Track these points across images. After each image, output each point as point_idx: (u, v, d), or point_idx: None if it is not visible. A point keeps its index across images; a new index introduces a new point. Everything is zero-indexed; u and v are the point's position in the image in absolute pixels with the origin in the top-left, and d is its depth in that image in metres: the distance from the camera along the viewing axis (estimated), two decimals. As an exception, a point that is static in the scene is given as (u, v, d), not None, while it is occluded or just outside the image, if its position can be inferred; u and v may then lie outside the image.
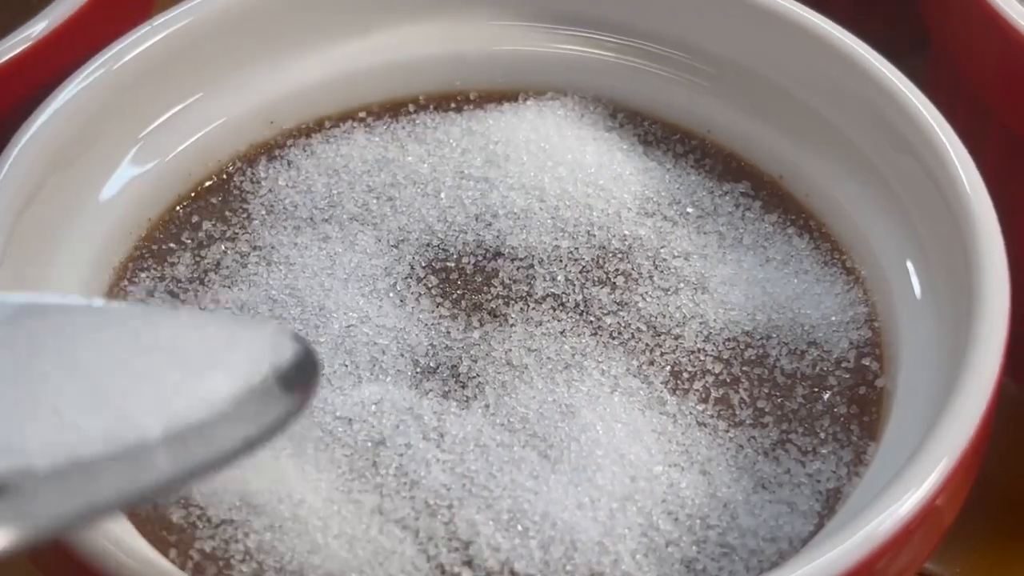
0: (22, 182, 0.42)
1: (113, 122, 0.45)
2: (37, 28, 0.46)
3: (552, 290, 0.44)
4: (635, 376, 0.42)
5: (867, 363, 0.42)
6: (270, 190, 0.47)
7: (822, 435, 0.41)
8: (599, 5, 0.50)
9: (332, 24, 0.49)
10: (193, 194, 0.47)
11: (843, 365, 0.42)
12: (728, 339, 0.43)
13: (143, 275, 0.44)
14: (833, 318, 0.43)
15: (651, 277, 0.45)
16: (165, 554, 0.38)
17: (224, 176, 0.47)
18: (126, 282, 0.44)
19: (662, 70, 0.49)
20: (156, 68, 0.46)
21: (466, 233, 0.46)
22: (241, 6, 0.47)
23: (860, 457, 0.40)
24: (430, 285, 0.44)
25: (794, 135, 0.47)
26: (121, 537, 0.36)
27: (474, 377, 0.42)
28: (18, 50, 0.46)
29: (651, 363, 0.42)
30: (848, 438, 0.41)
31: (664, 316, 0.44)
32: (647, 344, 0.43)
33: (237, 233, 0.46)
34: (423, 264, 0.45)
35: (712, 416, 0.41)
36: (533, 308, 0.44)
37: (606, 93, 0.49)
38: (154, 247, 0.45)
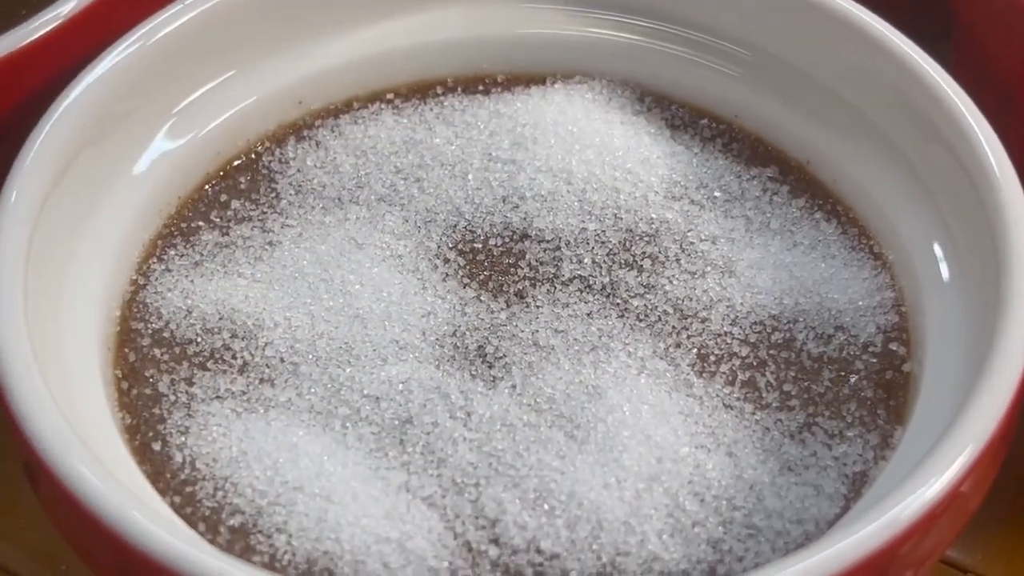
0: (56, 154, 0.42)
1: (149, 96, 0.45)
2: (66, 8, 0.46)
3: (579, 272, 0.44)
4: (662, 358, 0.42)
5: (894, 348, 0.42)
6: (298, 170, 0.47)
7: (848, 419, 0.41)
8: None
9: (362, 5, 0.49)
10: (222, 173, 0.47)
11: (870, 349, 0.42)
12: (755, 323, 0.43)
13: (171, 252, 0.45)
14: (860, 303, 0.43)
15: (678, 260, 0.45)
16: (194, 527, 0.38)
17: (253, 155, 0.47)
18: (155, 260, 0.44)
19: (690, 54, 0.49)
20: (191, 44, 0.46)
21: (493, 215, 0.46)
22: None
23: (887, 441, 0.40)
24: (457, 266, 0.45)
25: (821, 120, 0.47)
26: (151, 510, 0.36)
27: (501, 357, 0.42)
28: (47, 29, 0.46)
29: (678, 345, 0.42)
30: (875, 422, 0.41)
31: (691, 299, 0.44)
32: (674, 327, 0.43)
33: (265, 212, 0.46)
34: (450, 245, 0.45)
35: (738, 399, 0.41)
36: (560, 290, 0.44)
37: (634, 77, 0.50)
38: (183, 225, 0.45)
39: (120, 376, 0.41)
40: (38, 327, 0.39)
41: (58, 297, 0.41)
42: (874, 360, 0.42)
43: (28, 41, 0.45)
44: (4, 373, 0.37)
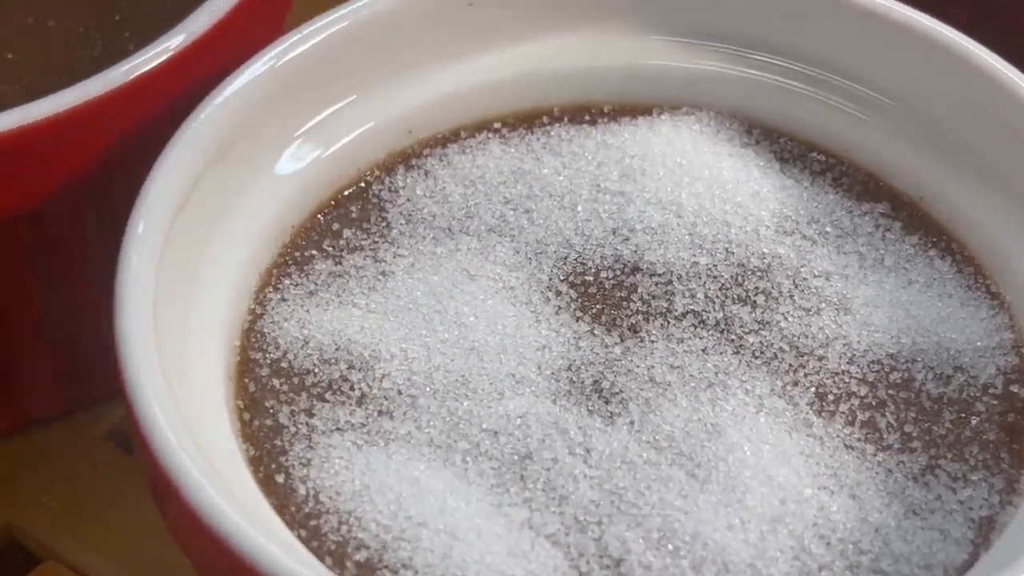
0: (181, 180, 0.42)
1: (273, 119, 0.45)
2: (175, 41, 0.46)
3: (692, 307, 0.44)
4: (780, 397, 0.42)
5: (1015, 390, 0.42)
6: (408, 199, 0.47)
7: (971, 462, 0.41)
8: (736, 21, 0.49)
9: (472, 36, 0.49)
10: (333, 202, 0.47)
11: (990, 391, 0.42)
12: (872, 361, 0.43)
13: (286, 282, 0.45)
14: (979, 343, 0.43)
15: (792, 296, 0.44)
16: (321, 561, 0.38)
17: (363, 184, 0.48)
18: (271, 288, 0.44)
19: (800, 87, 0.49)
20: (318, 66, 0.46)
21: (604, 247, 0.46)
22: (390, 15, 0.47)
23: (1012, 486, 0.40)
24: (569, 299, 0.45)
25: (935, 158, 0.47)
26: (283, 540, 0.36)
27: (617, 393, 0.42)
28: (156, 62, 0.46)
29: (795, 384, 0.42)
30: (999, 466, 0.41)
31: (807, 336, 0.43)
32: (790, 364, 0.43)
33: (377, 242, 0.46)
34: (561, 277, 0.45)
35: (859, 439, 0.41)
36: (673, 325, 0.44)
37: (742, 109, 0.49)
38: (296, 254, 0.45)
39: (242, 407, 0.41)
40: (166, 355, 0.39)
41: (183, 327, 0.41)
42: (995, 402, 0.42)
43: (140, 73, 0.45)
44: (135, 398, 0.37)
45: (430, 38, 0.48)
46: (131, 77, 0.45)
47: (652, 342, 0.43)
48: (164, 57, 0.46)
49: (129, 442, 0.54)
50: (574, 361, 0.43)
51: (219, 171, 0.44)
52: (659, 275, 0.45)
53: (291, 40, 0.45)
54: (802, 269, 0.45)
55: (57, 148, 0.45)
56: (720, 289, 0.45)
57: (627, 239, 0.46)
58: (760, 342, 0.43)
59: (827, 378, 0.42)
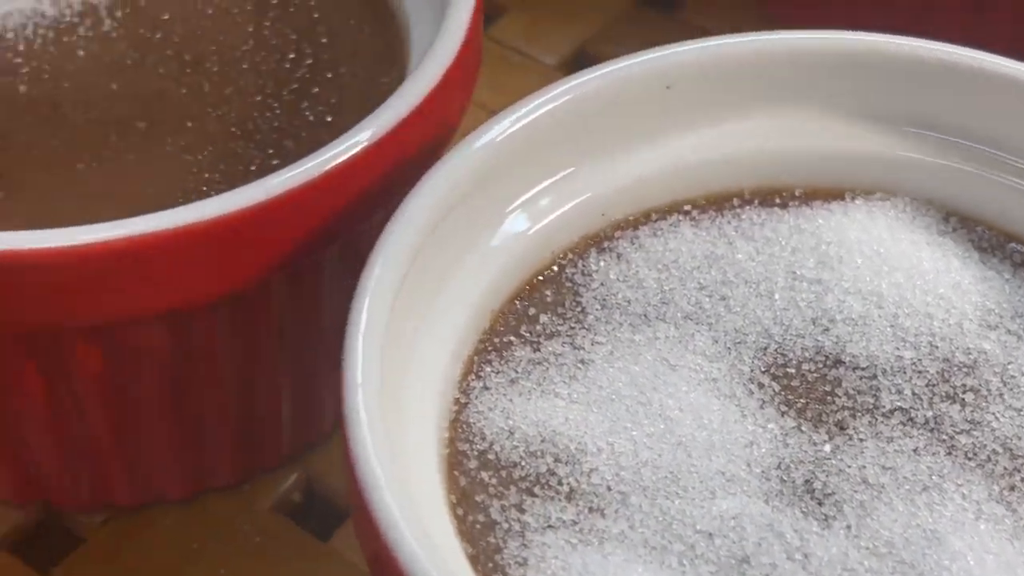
0: (400, 270, 0.42)
1: (483, 198, 0.45)
2: (364, 135, 0.46)
3: (899, 404, 0.43)
4: (997, 502, 0.41)
5: None
6: (602, 283, 0.47)
7: None
8: (930, 105, 0.49)
9: (665, 118, 0.48)
10: (528, 287, 0.47)
11: None
12: (1090, 467, 0.42)
13: (487, 369, 0.44)
14: None
15: (1001, 395, 0.44)
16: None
17: (556, 267, 0.47)
18: (472, 376, 0.44)
19: (997, 176, 0.48)
20: (523, 148, 0.46)
21: (804, 338, 0.45)
22: (593, 96, 0.47)
23: None
24: (772, 392, 0.44)
25: None
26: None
27: (830, 494, 0.41)
28: (351, 153, 0.46)
29: (1011, 488, 0.41)
30: None
31: (1019, 438, 0.43)
32: (1005, 467, 0.42)
33: (573, 328, 0.45)
34: (762, 369, 0.44)
35: (1084, 551, 0.40)
36: (882, 422, 0.43)
37: (938, 196, 0.49)
38: (496, 340, 0.45)
39: (455, 501, 0.41)
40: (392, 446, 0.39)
41: (399, 418, 0.41)
42: None
43: (336, 164, 0.45)
44: (368, 493, 0.37)
45: (625, 121, 0.48)
46: (327, 168, 0.45)
47: (861, 440, 0.43)
48: (357, 149, 0.46)
49: (296, 513, 0.54)
50: (783, 459, 0.42)
51: (431, 251, 0.43)
52: (863, 369, 0.44)
53: (511, 117, 0.45)
54: (1009, 366, 0.44)
55: (254, 234, 0.45)
56: (927, 385, 0.44)
57: (827, 329, 0.45)
58: (972, 443, 0.42)
59: (1044, 484, 0.42)
